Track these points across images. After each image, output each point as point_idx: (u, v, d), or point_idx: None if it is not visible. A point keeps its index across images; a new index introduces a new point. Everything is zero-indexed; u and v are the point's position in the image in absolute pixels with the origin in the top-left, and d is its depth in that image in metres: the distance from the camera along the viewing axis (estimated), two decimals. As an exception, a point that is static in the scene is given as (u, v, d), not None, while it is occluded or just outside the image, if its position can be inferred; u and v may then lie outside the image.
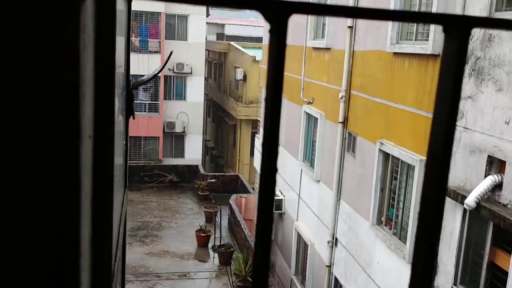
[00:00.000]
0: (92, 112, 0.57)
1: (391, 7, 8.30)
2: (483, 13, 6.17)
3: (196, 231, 17.56)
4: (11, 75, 0.43)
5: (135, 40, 25.19)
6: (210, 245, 17.37)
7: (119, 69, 1.45)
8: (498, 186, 5.82)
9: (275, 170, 0.49)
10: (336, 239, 10.69)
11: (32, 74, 0.43)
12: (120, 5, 1.34)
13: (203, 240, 17.35)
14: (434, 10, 7.12)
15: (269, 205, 0.51)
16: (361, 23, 9.68)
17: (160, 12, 25.19)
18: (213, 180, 22.81)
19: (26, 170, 0.43)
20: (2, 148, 0.44)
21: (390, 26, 8.35)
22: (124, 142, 1.56)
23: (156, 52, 25.24)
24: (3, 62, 0.43)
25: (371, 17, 0.48)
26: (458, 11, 6.59)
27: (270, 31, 0.47)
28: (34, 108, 0.43)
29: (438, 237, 0.52)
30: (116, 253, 1.10)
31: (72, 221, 0.47)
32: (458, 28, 0.49)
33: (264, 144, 0.46)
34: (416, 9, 7.89)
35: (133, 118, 1.69)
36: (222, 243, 16.88)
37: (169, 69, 25.79)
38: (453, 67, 0.50)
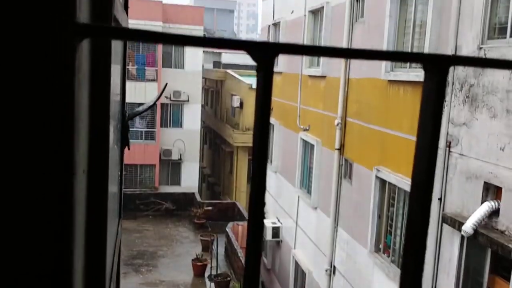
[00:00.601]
0: (86, 147, 0.59)
1: (385, 37, 8.45)
2: (476, 42, 6.28)
3: (192, 260, 17.35)
4: (5, 109, 0.44)
5: (132, 69, 25.42)
6: (206, 275, 17.13)
7: (115, 100, 1.48)
8: (495, 213, 5.81)
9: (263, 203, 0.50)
10: (334, 267, 10.58)
11: (27, 110, 0.44)
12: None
13: (199, 269, 17.13)
14: (427, 38, 7.25)
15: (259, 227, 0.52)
16: (356, 52, 9.82)
17: (157, 41, 25.47)
18: (210, 208, 22.66)
19: (18, 205, 0.45)
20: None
21: (384, 54, 8.47)
22: (119, 173, 1.57)
23: (153, 80, 25.45)
24: None
25: (354, 57, 0.51)
26: (451, 39, 6.71)
27: (257, 70, 0.49)
28: (28, 144, 0.45)
29: (423, 264, 0.53)
30: (109, 285, 1.10)
31: (64, 255, 0.48)
32: (436, 67, 0.52)
33: (252, 189, 0.48)
34: (410, 38, 8.04)
35: (128, 149, 1.70)
36: (218, 272, 16.66)
37: (166, 97, 25.94)
38: (432, 104, 0.52)
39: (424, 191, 0.55)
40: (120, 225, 1.53)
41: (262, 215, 0.54)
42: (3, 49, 0.43)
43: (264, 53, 0.48)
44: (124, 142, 1.57)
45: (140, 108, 3.03)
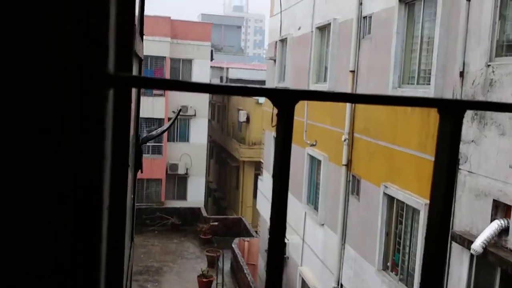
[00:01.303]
0: (108, 185, 0.61)
1: (392, 54, 8.48)
2: (484, 59, 6.29)
3: (198, 276, 17.26)
4: (42, 159, 0.46)
5: (140, 84, 25.60)
6: (212, 290, 17.01)
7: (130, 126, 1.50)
8: (504, 231, 5.76)
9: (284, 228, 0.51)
10: (341, 284, 10.48)
11: (65, 161, 0.46)
12: (134, 65, 1.40)
13: (205, 285, 17.02)
14: (435, 55, 7.26)
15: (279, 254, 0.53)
16: (363, 67, 9.86)
17: (165, 57, 25.75)
18: (216, 223, 22.60)
19: (51, 247, 0.46)
20: (20, 217, 0.47)
21: (392, 70, 8.50)
22: (132, 196, 1.59)
23: (160, 95, 25.63)
24: (30, 140, 0.47)
25: (369, 102, 0.52)
26: (458, 56, 6.72)
27: (277, 115, 0.51)
28: (65, 189, 0.47)
29: (443, 280, 0.54)
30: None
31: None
32: (451, 111, 0.53)
33: (271, 227, 0.49)
34: (417, 54, 8.05)
35: (141, 172, 1.72)
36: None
37: (173, 111, 26.09)
38: (448, 148, 0.53)
39: (441, 221, 0.56)
40: (133, 248, 1.54)
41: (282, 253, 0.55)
42: (45, 103, 0.45)
43: (284, 100, 0.49)
44: (137, 166, 1.59)
45: (154, 133, 3.06)
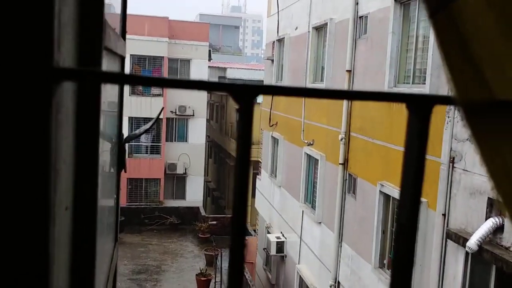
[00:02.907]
0: (71, 184, 0.59)
1: (388, 53, 8.47)
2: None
3: (197, 275, 17.26)
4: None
5: (138, 83, 25.56)
6: (210, 289, 17.01)
7: (112, 123, 1.48)
8: (499, 229, 5.76)
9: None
10: (339, 282, 10.49)
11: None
12: (113, 62, 1.38)
13: (203, 284, 17.02)
14: (430, 54, 7.26)
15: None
16: (359, 67, 9.85)
17: (163, 57, 25.71)
18: (214, 222, 22.60)
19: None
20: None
21: (387, 69, 8.50)
22: (115, 196, 1.57)
23: (158, 95, 25.59)
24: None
25: (335, 97, 0.51)
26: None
27: (238, 110, 0.49)
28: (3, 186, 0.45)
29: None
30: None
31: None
32: (419, 106, 0.52)
33: (231, 224, 0.48)
34: (412, 54, 8.05)
35: (125, 172, 1.71)
36: (223, 287, 16.55)
37: (171, 111, 26.07)
38: (416, 144, 0.52)
39: (409, 232, 0.54)
40: (117, 249, 1.53)
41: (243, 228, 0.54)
42: None
43: (244, 95, 0.48)
44: (120, 165, 1.57)
45: (137, 132, 3.05)
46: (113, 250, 1.43)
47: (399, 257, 0.54)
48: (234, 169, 0.52)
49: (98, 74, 0.44)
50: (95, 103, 0.64)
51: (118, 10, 1.60)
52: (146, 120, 24.93)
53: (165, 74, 25.86)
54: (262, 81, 22.29)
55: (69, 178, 0.57)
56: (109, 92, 1.30)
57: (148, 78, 0.45)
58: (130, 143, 25.03)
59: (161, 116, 25.24)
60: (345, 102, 10.19)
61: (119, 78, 0.43)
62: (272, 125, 15.44)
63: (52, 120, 0.44)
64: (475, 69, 0.47)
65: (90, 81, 0.44)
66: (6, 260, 0.45)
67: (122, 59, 1.58)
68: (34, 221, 0.45)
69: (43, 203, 0.45)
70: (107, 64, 1.11)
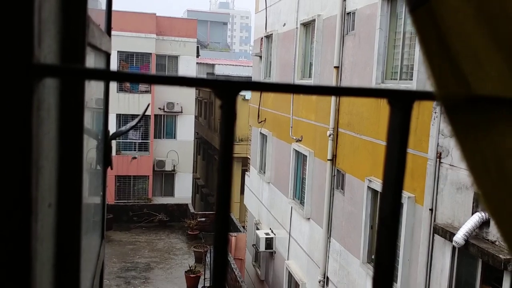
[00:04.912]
0: (54, 180, 0.59)
1: (375, 49, 8.51)
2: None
3: (186, 271, 17.24)
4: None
5: (125, 80, 25.39)
6: (200, 286, 17.01)
7: (98, 120, 1.47)
8: (486, 223, 5.83)
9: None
10: (327, 278, 10.55)
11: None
12: (98, 59, 1.37)
13: (192, 281, 17.02)
14: (417, 50, 7.31)
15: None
16: (347, 63, 9.89)
17: (151, 53, 25.56)
18: (203, 219, 22.58)
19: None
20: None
21: (375, 66, 8.54)
22: (102, 193, 1.56)
23: (146, 92, 25.46)
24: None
25: (318, 93, 0.51)
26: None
27: (220, 107, 0.50)
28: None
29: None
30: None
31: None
32: (400, 101, 0.52)
33: (216, 214, 0.48)
34: (400, 50, 8.10)
35: (111, 169, 1.70)
36: (212, 284, 16.54)
37: (159, 108, 25.95)
38: (398, 138, 0.52)
39: (390, 227, 0.55)
40: (103, 246, 1.52)
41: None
42: None
43: (226, 91, 0.48)
44: (106, 162, 1.56)
45: (123, 128, 3.03)
46: (100, 248, 1.42)
47: (382, 251, 0.54)
48: (218, 165, 0.52)
49: (79, 71, 0.44)
50: (79, 99, 0.64)
51: (103, 5, 1.59)
52: (134, 117, 24.80)
53: (153, 70, 25.72)
54: (251, 77, 22.27)
55: (52, 174, 0.57)
56: (94, 89, 1.29)
57: (130, 74, 0.45)
58: (118, 140, 24.86)
59: (148, 113, 25.12)
60: (333, 98, 10.22)
61: (100, 75, 0.43)
62: (261, 121, 15.45)
63: (33, 116, 0.44)
64: (453, 64, 0.47)
65: (71, 78, 0.43)
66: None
67: (107, 55, 1.57)
68: (16, 217, 0.45)
69: (24, 199, 0.44)
70: (92, 61, 1.10)
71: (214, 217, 0.50)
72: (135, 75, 0.45)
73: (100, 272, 1.39)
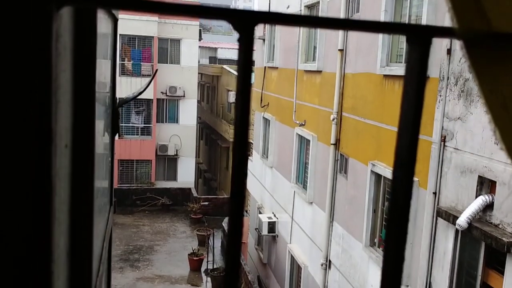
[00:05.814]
0: (69, 122, 0.58)
1: (380, 35, 8.43)
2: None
3: (189, 254, 17.38)
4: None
5: (128, 64, 25.33)
6: (203, 269, 17.16)
7: (105, 86, 1.47)
8: (489, 206, 5.84)
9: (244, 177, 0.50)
10: (330, 261, 10.61)
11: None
12: (106, 24, 1.36)
13: (195, 264, 17.16)
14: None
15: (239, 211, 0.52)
16: (352, 46, 9.82)
17: (153, 36, 25.42)
18: (206, 203, 22.68)
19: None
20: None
21: (380, 49, 8.48)
22: (110, 159, 1.56)
23: (148, 75, 25.37)
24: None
25: (333, 27, 0.50)
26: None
27: (238, 40, 0.49)
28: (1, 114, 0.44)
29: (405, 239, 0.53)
30: (99, 268, 1.09)
31: (43, 229, 0.48)
32: (420, 37, 0.52)
33: (234, 150, 0.48)
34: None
35: (119, 136, 1.70)
36: (215, 266, 16.70)
37: (162, 92, 25.90)
38: (416, 76, 0.52)
39: (407, 170, 0.55)
40: (111, 212, 1.53)
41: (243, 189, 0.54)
42: None
43: (244, 22, 0.47)
44: (115, 129, 1.56)
45: (131, 95, 3.03)
46: (109, 213, 1.43)
47: (394, 217, 0.54)
48: (235, 106, 0.51)
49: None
50: (92, 33, 0.63)
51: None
52: (137, 101, 24.78)
53: (155, 54, 25.62)
54: (254, 61, 22.13)
55: (68, 114, 0.56)
56: (101, 66, 1.29)
57: (144, 2, 0.44)
58: (120, 124, 24.86)
59: (151, 97, 25.08)
60: (337, 82, 10.17)
61: (117, 2, 0.42)
62: (264, 105, 15.41)
63: (52, 45, 0.44)
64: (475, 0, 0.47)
65: (90, 4, 0.43)
66: (7, 214, 0.45)
67: (115, 20, 1.56)
68: (36, 147, 0.44)
69: (44, 130, 0.44)
70: (102, 25, 1.09)
71: (232, 173, 0.49)
72: (150, 3, 0.44)
73: (109, 237, 1.39)
